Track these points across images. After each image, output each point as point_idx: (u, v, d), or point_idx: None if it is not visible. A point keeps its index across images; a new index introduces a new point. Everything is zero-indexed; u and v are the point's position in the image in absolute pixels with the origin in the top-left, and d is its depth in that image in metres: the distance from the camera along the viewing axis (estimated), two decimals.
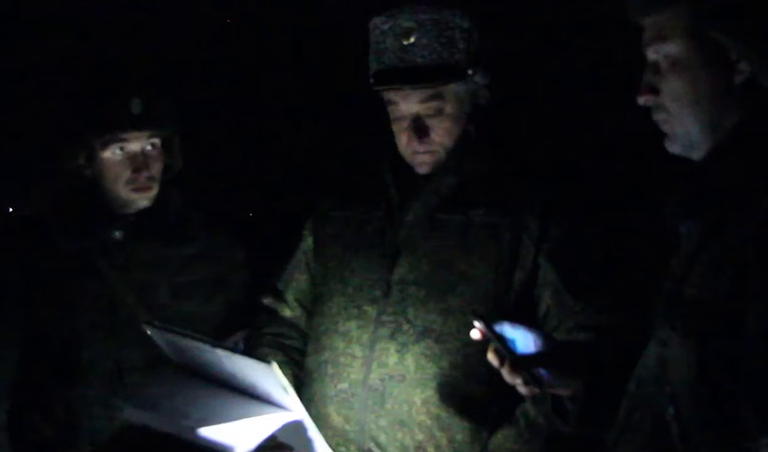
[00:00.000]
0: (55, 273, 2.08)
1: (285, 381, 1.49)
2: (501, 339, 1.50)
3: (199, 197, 2.30)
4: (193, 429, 1.49)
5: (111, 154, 2.06)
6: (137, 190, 2.09)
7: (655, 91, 1.33)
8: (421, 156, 1.87)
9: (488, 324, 1.51)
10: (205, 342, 1.58)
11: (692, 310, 1.23)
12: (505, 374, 1.50)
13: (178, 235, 2.16)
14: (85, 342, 2.05)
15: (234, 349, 1.66)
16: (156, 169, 2.11)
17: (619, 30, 1.41)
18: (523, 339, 1.53)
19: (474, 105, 1.89)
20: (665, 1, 1.30)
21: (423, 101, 1.83)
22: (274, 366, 1.47)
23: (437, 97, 1.83)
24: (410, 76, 1.81)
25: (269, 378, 1.50)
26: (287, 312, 2.03)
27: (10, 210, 3.88)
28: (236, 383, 1.58)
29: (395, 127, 1.89)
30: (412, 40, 1.80)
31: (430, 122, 1.84)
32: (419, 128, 1.84)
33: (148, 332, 1.68)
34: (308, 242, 2.03)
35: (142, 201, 2.12)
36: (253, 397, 1.57)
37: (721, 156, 1.28)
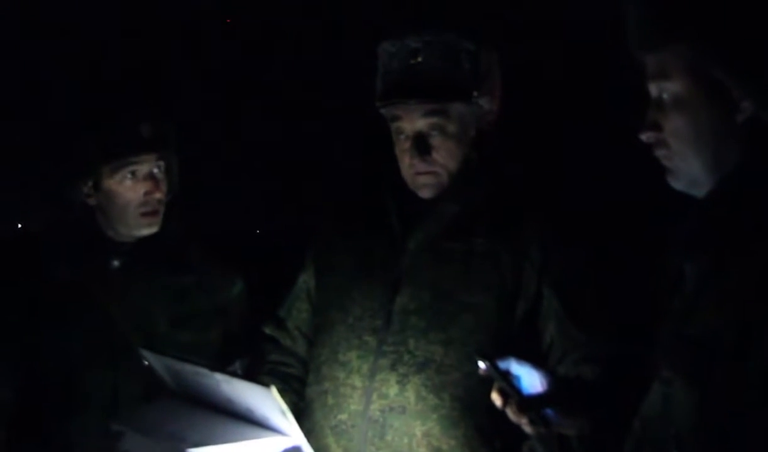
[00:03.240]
0: (51, 303, 2.06)
1: (283, 405, 1.48)
2: (506, 377, 1.49)
3: (199, 223, 2.29)
4: None
5: (121, 179, 2.06)
6: (147, 214, 2.08)
7: (657, 127, 1.32)
8: (423, 177, 1.86)
9: (494, 364, 1.49)
10: (202, 366, 1.57)
11: (694, 353, 1.22)
12: (511, 414, 1.49)
13: (177, 264, 2.16)
14: (83, 371, 2.03)
15: (232, 373, 1.65)
16: (164, 191, 2.12)
17: (624, 60, 1.41)
18: (528, 377, 1.51)
19: (477, 130, 1.88)
20: (666, 39, 1.30)
21: (426, 115, 1.82)
22: (273, 389, 1.46)
23: (441, 113, 1.82)
24: (415, 90, 1.82)
25: (267, 401, 1.49)
26: (288, 342, 2.02)
27: (19, 226, 3.88)
28: (234, 408, 1.57)
29: (398, 149, 1.89)
30: (419, 59, 1.81)
31: (433, 141, 1.84)
32: (421, 146, 1.83)
33: (145, 358, 1.67)
34: (309, 271, 2.02)
35: (150, 228, 2.11)
36: (251, 422, 1.56)
37: (723, 194, 1.27)
